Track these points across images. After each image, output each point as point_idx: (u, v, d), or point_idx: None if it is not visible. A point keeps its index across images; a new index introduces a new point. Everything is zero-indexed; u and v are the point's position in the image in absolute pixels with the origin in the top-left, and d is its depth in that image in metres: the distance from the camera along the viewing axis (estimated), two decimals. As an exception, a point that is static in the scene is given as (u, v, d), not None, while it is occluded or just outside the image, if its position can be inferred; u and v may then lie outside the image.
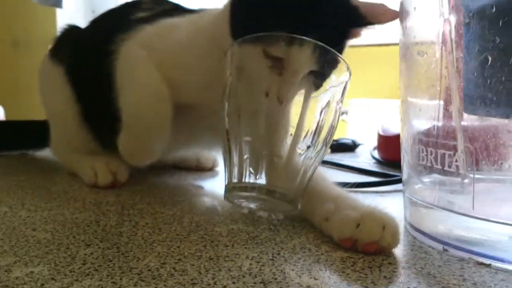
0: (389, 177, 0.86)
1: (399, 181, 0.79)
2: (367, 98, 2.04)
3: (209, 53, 0.65)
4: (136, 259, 0.44)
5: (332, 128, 0.56)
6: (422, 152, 0.50)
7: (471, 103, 0.50)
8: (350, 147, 1.32)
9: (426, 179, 0.54)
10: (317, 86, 0.55)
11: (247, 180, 0.54)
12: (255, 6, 0.56)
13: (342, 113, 0.56)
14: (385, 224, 0.47)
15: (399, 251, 0.48)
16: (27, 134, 1.07)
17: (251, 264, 0.44)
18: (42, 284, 0.38)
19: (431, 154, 0.49)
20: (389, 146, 1.06)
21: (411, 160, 0.55)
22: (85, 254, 0.45)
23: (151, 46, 0.69)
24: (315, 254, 0.47)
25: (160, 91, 0.67)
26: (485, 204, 0.46)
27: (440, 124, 0.51)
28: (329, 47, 0.52)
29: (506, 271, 0.43)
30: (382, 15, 0.57)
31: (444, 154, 0.48)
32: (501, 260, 0.44)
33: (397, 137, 1.01)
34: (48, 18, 2.46)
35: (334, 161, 1.04)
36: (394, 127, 1.08)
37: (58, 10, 2.43)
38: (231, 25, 0.59)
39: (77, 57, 0.83)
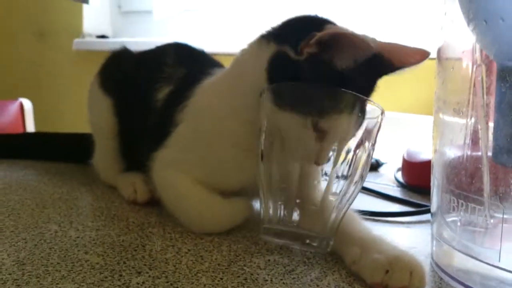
0: (415, 206, 0.89)
1: (426, 211, 0.82)
2: (393, 111, 2.05)
3: (236, 124, 0.66)
4: (184, 291, 0.48)
5: (366, 166, 0.59)
6: (453, 202, 0.53)
7: (501, 154, 0.52)
8: (373, 167, 1.32)
9: (450, 219, 0.57)
10: None
11: (281, 224, 0.59)
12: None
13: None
14: (412, 270, 0.51)
15: (428, 293, 0.52)
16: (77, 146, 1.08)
17: (290, 302, 0.48)
18: (105, 316, 0.42)
19: (462, 206, 0.52)
20: (414, 172, 1.07)
21: (440, 203, 0.58)
22: (138, 283, 0.49)
23: (179, 163, 0.70)
24: (349, 294, 0.50)
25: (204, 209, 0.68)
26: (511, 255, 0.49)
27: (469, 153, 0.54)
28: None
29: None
30: (409, 57, 0.60)
31: (474, 208, 0.51)
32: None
33: (423, 165, 1.03)
34: (74, 11, 2.49)
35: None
36: (420, 153, 1.09)
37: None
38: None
39: (123, 100, 0.87)
